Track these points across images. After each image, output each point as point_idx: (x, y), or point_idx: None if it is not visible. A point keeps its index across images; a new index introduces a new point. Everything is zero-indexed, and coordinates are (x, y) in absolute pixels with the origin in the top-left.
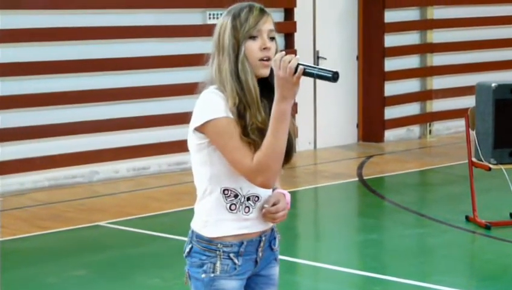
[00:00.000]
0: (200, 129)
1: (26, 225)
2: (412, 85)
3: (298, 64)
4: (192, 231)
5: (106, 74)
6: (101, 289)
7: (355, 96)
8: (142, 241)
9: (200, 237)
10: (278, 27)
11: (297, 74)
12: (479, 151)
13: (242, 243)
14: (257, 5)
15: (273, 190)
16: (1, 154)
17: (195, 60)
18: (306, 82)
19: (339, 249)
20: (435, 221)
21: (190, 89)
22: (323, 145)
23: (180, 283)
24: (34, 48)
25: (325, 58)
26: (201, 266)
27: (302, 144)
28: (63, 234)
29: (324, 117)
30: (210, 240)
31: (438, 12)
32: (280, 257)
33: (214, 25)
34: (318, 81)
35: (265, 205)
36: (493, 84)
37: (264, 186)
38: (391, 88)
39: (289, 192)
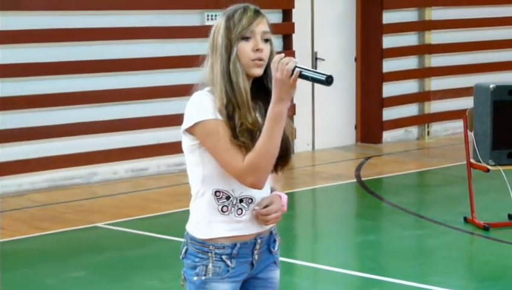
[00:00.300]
0: (189, 131)
1: (25, 226)
2: (410, 86)
3: (295, 66)
4: (187, 233)
5: (105, 75)
6: None
7: (353, 97)
8: (140, 243)
9: (193, 239)
10: (276, 28)
11: (293, 76)
12: (477, 153)
13: (235, 245)
14: (252, 6)
15: (271, 192)
16: (0, 156)
17: (194, 61)
18: (304, 83)
19: (337, 251)
20: (433, 222)
21: (189, 90)
22: (321, 146)
23: (178, 284)
24: (33, 49)
25: (323, 60)
26: (194, 268)
27: (300, 145)
28: (61, 235)
29: (322, 118)
30: (203, 242)
31: (436, 14)
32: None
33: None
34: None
35: (256, 207)
36: (491, 86)
37: (254, 186)
38: (389, 89)
39: (287, 193)
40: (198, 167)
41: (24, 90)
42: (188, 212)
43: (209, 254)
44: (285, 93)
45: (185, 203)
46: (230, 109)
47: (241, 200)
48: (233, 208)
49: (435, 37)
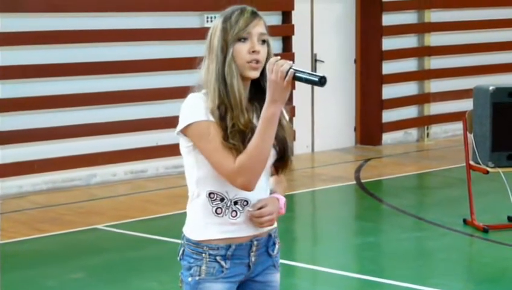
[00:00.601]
0: (183, 133)
1: (25, 228)
2: (409, 88)
3: (290, 68)
4: (184, 234)
5: (104, 76)
6: None
7: (353, 99)
8: (139, 244)
9: (188, 240)
10: (276, 30)
11: (287, 77)
12: (477, 155)
13: (230, 246)
14: (249, 8)
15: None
16: (0, 157)
17: (193, 63)
18: (304, 85)
19: (337, 253)
20: (433, 224)
21: (187, 92)
22: (321, 148)
23: (177, 286)
24: (33, 51)
25: (323, 62)
26: (189, 269)
27: (300, 147)
28: (61, 237)
29: (322, 120)
30: (197, 243)
31: (435, 16)
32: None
33: None
34: None
35: (249, 209)
36: (491, 88)
37: (245, 188)
38: (389, 91)
39: (286, 195)
40: (193, 169)
41: (23, 92)
42: (186, 213)
43: (203, 254)
44: (278, 95)
45: (183, 205)
46: (223, 110)
47: (235, 203)
48: (227, 210)
49: (435, 39)
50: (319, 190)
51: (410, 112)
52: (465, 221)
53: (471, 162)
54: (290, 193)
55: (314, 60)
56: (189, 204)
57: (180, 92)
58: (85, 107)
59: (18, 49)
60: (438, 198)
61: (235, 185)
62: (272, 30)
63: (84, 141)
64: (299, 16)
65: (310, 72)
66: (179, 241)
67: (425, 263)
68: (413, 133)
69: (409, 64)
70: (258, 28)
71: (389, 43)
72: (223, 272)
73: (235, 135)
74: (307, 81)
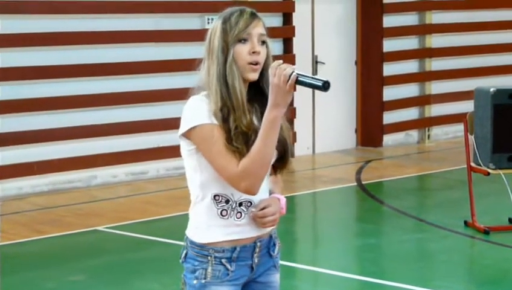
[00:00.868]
0: (185, 135)
1: (25, 230)
2: (410, 90)
3: (293, 72)
4: (187, 237)
5: (105, 78)
6: None
7: (353, 101)
8: (140, 246)
9: (193, 243)
10: (277, 32)
11: (290, 81)
12: (478, 156)
13: (235, 248)
14: (248, 9)
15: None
16: (0, 159)
17: (194, 64)
18: (305, 87)
19: (338, 254)
20: (434, 226)
21: (188, 94)
22: (321, 150)
23: (178, 288)
24: (32, 52)
25: (324, 63)
26: (194, 271)
27: (301, 149)
28: (61, 238)
29: (323, 122)
30: (202, 246)
31: (436, 17)
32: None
33: None
34: None
35: (253, 209)
36: (492, 89)
37: (248, 192)
38: (390, 93)
39: (287, 197)
40: (196, 172)
41: (23, 93)
42: (187, 215)
43: (209, 257)
44: (281, 99)
45: (184, 206)
46: (225, 111)
47: (240, 204)
48: (232, 212)
49: (435, 40)
50: (320, 191)
51: (411, 113)
52: (466, 223)
53: (472, 164)
54: (291, 194)
55: (315, 62)
56: (192, 207)
57: (181, 94)
58: (85, 108)
59: (17, 50)
60: (438, 200)
61: (238, 189)
62: (273, 32)
63: (84, 142)
64: (300, 18)
65: (313, 76)
66: (180, 243)
67: (426, 264)
68: (414, 134)
69: (410, 66)
70: (257, 29)
71: (389, 45)
72: (228, 275)
73: (238, 137)
74: (310, 85)
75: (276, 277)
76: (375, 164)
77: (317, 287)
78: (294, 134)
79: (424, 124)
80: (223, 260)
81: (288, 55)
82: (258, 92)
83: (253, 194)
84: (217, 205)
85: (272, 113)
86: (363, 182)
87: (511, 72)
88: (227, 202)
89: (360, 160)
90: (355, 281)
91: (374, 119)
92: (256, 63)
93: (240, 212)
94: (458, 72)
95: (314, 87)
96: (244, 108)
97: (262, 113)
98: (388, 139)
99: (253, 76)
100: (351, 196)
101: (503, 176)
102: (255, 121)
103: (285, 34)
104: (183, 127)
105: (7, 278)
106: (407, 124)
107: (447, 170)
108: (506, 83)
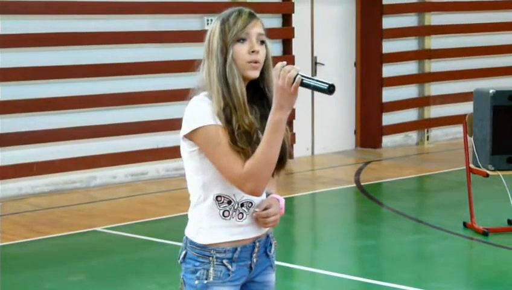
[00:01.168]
0: (188, 137)
1: (25, 230)
2: (409, 91)
3: (297, 74)
4: (186, 238)
5: (105, 79)
6: None
7: (353, 102)
8: (139, 247)
9: (193, 244)
10: (276, 33)
11: (294, 83)
12: (477, 158)
13: (236, 249)
14: (246, 9)
15: (267, 196)
16: (0, 159)
17: (193, 65)
18: (304, 88)
19: (337, 255)
20: (433, 227)
21: (188, 95)
22: (321, 151)
23: (177, 288)
24: (32, 53)
25: (323, 64)
26: (195, 272)
27: (300, 150)
28: (61, 239)
29: (322, 123)
30: (203, 246)
31: (435, 19)
32: (277, 262)
33: None
34: None
35: (256, 209)
36: (491, 91)
37: (253, 193)
38: (389, 94)
39: (287, 198)
40: (198, 173)
41: (23, 94)
42: (187, 216)
43: (210, 258)
44: (285, 101)
45: (184, 207)
46: (228, 112)
47: (242, 205)
48: (234, 213)
49: (435, 42)
50: (319, 192)
51: (410, 114)
52: (465, 224)
53: (471, 165)
54: (290, 195)
55: (315, 63)
56: (192, 208)
57: (181, 95)
58: (85, 109)
59: (18, 51)
60: (438, 201)
61: (243, 190)
62: (272, 33)
63: (84, 143)
64: (299, 19)
65: (318, 79)
66: (179, 243)
67: (425, 266)
68: (413, 136)
69: (409, 67)
70: (256, 29)
71: (389, 46)
72: (229, 275)
73: (242, 138)
74: (314, 88)
75: (272, 277)
76: (375, 165)
77: (316, 288)
78: (294, 135)
79: (423, 125)
80: (224, 261)
81: (287, 56)
82: (256, 94)
83: (258, 195)
84: (219, 205)
85: (277, 115)
86: (362, 183)
87: (511, 73)
88: (229, 202)
89: (359, 161)
90: (354, 283)
91: (373, 120)
92: (256, 62)
93: (242, 213)
94: (457, 73)
95: (319, 90)
96: (246, 107)
97: (261, 114)
98: (387, 140)
99: (254, 74)
100: (350, 197)
101: (502, 177)
102: (255, 122)
103: (285, 35)
104: (187, 128)
105: (7, 278)
106: (406, 125)
107: (446, 171)
108: (506, 84)
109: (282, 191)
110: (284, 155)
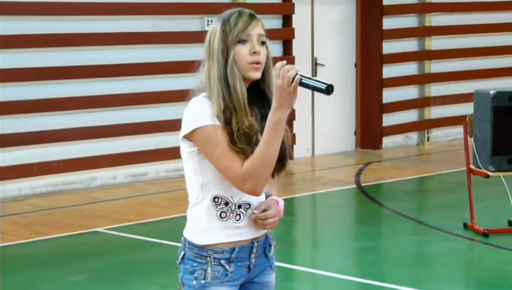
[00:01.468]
0: (188, 137)
1: (25, 231)
2: (410, 92)
3: (297, 74)
4: (185, 238)
5: (104, 80)
6: None
7: (353, 103)
8: (140, 248)
9: (191, 244)
10: (276, 34)
11: (293, 83)
12: (477, 159)
13: (233, 249)
14: (247, 10)
15: (267, 197)
16: (0, 160)
17: (193, 66)
18: (304, 88)
19: (337, 256)
20: (433, 228)
21: (187, 95)
22: (321, 152)
23: (177, 289)
24: (31, 54)
25: (323, 65)
26: (193, 272)
27: (300, 151)
28: (61, 240)
29: (322, 124)
30: (201, 247)
31: (436, 19)
32: (278, 263)
33: None
34: None
35: (255, 211)
36: (491, 92)
37: (252, 193)
38: (389, 95)
39: (287, 199)
40: (196, 174)
41: (22, 95)
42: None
43: (208, 258)
44: (285, 100)
45: (184, 208)
46: (228, 113)
47: (239, 206)
48: (231, 214)
49: (435, 43)
50: (319, 193)
51: (410, 115)
52: (465, 225)
53: (472, 166)
54: (290, 196)
55: (315, 64)
56: (191, 208)
57: (181, 96)
58: (85, 110)
59: (18, 52)
60: (438, 202)
61: (242, 190)
62: (273, 34)
63: (84, 144)
64: (300, 20)
65: (317, 79)
66: (179, 244)
67: (425, 267)
68: (413, 137)
69: (410, 68)
70: (256, 30)
71: (389, 47)
72: (227, 275)
73: (241, 138)
74: (313, 88)
75: (272, 277)
76: (375, 166)
77: (316, 289)
78: (294, 136)
79: (423, 126)
80: (222, 261)
81: (288, 57)
82: (257, 95)
83: (257, 195)
84: (216, 207)
85: (277, 115)
86: (363, 184)
87: (511, 74)
88: (226, 204)
89: (359, 162)
90: (354, 284)
91: (373, 121)
92: (258, 63)
93: (239, 215)
94: (458, 74)
95: (317, 90)
96: (246, 109)
97: (261, 115)
98: (388, 141)
99: (256, 75)
100: (350, 198)
101: (502, 178)
102: (255, 123)
103: (285, 36)
104: (186, 128)
105: (7, 279)
106: (406, 126)
107: (447, 172)
108: (506, 85)
109: (282, 192)
110: (284, 156)
